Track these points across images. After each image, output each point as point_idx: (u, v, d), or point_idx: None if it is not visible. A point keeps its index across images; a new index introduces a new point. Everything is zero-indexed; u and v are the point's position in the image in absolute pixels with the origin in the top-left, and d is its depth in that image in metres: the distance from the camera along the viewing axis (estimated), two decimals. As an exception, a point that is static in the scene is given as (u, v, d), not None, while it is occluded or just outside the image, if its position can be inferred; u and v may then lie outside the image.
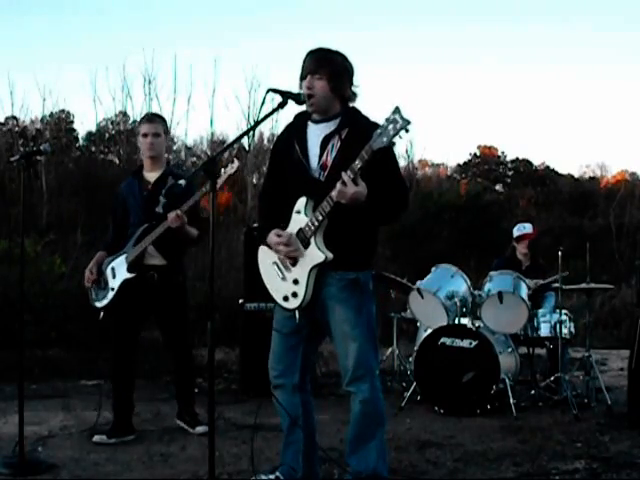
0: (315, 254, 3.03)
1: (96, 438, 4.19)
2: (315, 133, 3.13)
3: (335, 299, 3.07)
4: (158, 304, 4.33)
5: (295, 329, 3.16)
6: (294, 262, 3.10)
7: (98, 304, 4.34)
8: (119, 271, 4.28)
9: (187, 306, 4.52)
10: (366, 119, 3.12)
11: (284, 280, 3.14)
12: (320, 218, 3.00)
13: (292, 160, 3.14)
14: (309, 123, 3.17)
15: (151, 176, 4.39)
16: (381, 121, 2.87)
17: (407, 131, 2.79)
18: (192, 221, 4.21)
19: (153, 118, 4.51)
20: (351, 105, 3.17)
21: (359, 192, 2.88)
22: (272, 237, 3.12)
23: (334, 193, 2.91)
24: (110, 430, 4.25)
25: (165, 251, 4.29)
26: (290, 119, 3.29)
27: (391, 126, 2.78)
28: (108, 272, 4.33)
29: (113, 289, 4.28)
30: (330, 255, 3.01)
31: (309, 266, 3.05)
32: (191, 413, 4.49)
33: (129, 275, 4.23)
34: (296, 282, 3.09)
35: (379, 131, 2.81)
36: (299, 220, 3.08)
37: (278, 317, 3.25)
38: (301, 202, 3.08)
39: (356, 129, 3.04)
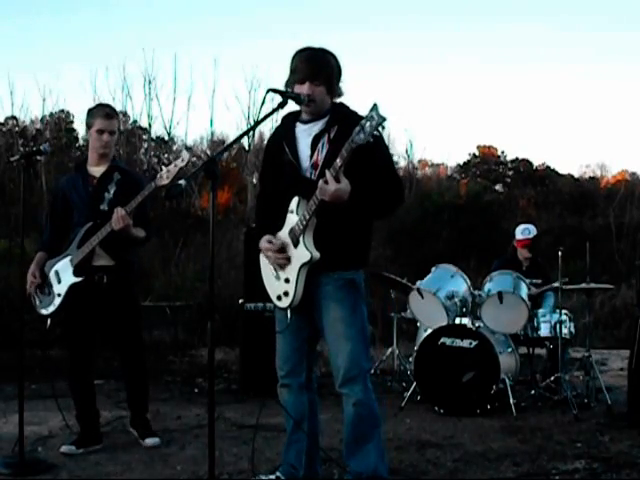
0: (302, 253, 3.04)
1: (64, 449, 3.95)
2: (305, 133, 3.13)
3: (331, 298, 3.08)
4: (108, 306, 3.99)
5: (294, 329, 3.17)
6: (287, 261, 3.12)
7: (44, 311, 4.03)
8: (64, 275, 3.95)
9: (139, 306, 4.30)
10: (355, 114, 3.08)
11: (277, 279, 3.17)
12: (307, 217, 3.00)
13: (283, 162, 3.15)
14: (297, 124, 3.17)
15: (96, 171, 4.04)
16: None
17: (383, 128, 2.80)
18: (138, 221, 3.94)
19: (112, 114, 4.04)
20: (338, 101, 3.16)
21: (341, 189, 2.87)
22: (263, 242, 3.16)
23: (317, 191, 2.91)
24: (77, 440, 4.02)
25: (112, 251, 3.95)
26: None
27: (368, 123, 2.77)
28: (52, 276, 4.00)
29: (60, 295, 3.96)
30: (316, 254, 3.02)
31: (298, 265, 3.07)
32: (142, 422, 4.18)
33: (77, 279, 3.91)
34: (287, 281, 3.11)
35: (358, 129, 2.79)
36: (291, 220, 3.09)
37: (278, 317, 3.27)
38: (294, 202, 3.09)
39: (345, 126, 2.98)
